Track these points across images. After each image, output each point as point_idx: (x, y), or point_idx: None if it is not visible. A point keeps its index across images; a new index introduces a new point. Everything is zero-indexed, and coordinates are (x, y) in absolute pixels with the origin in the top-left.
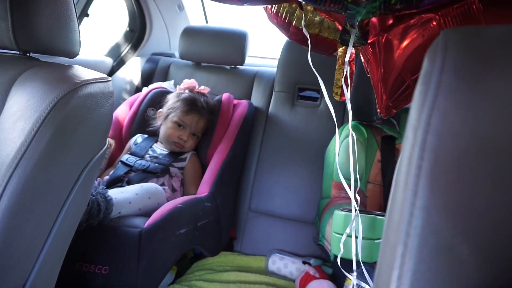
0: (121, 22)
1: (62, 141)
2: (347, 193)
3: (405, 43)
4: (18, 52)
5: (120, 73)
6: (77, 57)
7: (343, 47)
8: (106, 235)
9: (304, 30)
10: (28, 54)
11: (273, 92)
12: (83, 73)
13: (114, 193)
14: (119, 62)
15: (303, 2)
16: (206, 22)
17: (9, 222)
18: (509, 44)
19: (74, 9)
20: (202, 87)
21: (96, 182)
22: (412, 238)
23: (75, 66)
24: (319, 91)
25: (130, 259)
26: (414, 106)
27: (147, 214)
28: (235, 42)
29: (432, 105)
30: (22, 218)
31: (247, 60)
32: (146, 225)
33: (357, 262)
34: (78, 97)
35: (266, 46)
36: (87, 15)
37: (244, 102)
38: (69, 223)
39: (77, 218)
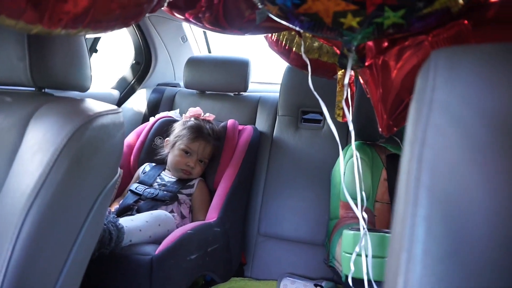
0: (127, 56)
1: (78, 171)
2: (355, 213)
3: (401, 63)
4: (33, 89)
5: (127, 104)
6: (84, 94)
7: (343, 70)
8: (118, 263)
9: (303, 56)
10: (43, 90)
11: (277, 116)
12: (95, 106)
13: (125, 222)
14: (126, 94)
15: (302, 30)
16: (209, 51)
17: (28, 251)
18: (493, 61)
19: (85, 47)
20: (207, 114)
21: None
22: (415, 246)
23: (87, 100)
24: (322, 113)
25: (142, 286)
26: (410, 122)
27: (157, 241)
28: (237, 69)
29: (427, 120)
30: (41, 246)
31: (250, 86)
32: (157, 252)
33: (369, 281)
34: (92, 128)
35: (268, 72)
36: (96, 51)
37: (249, 127)
38: (84, 251)
39: (92, 246)
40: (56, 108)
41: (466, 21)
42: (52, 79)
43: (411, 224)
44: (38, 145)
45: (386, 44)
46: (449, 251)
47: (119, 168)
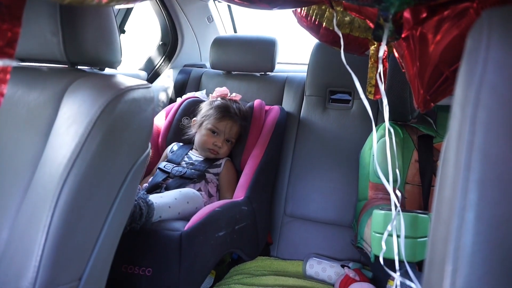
0: (154, 37)
1: (111, 143)
2: (384, 194)
3: (440, 35)
4: (67, 65)
5: (155, 85)
6: (114, 71)
7: (375, 45)
8: (149, 238)
9: (336, 29)
10: (76, 66)
11: (304, 97)
12: (126, 81)
13: (154, 198)
14: (153, 75)
15: (334, 2)
16: (235, 31)
17: (67, 218)
18: None
19: (115, 23)
20: (234, 94)
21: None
22: (468, 212)
23: (118, 75)
24: (350, 93)
25: (172, 261)
26: (460, 84)
27: (186, 218)
28: (264, 49)
29: (480, 81)
30: (78, 214)
31: (277, 67)
32: (186, 228)
33: (400, 262)
34: (123, 102)
35: (294, 53)
36: (123, 32)
37: (275, 107)
38: (117, 224)
39: (124, 219)
40: (89, 83)
41: None
42: (84, 54)
43: (463, 189)
44: (73, 118)
45: (424, 14)
46: (503, 216)
47: (149, 144)
